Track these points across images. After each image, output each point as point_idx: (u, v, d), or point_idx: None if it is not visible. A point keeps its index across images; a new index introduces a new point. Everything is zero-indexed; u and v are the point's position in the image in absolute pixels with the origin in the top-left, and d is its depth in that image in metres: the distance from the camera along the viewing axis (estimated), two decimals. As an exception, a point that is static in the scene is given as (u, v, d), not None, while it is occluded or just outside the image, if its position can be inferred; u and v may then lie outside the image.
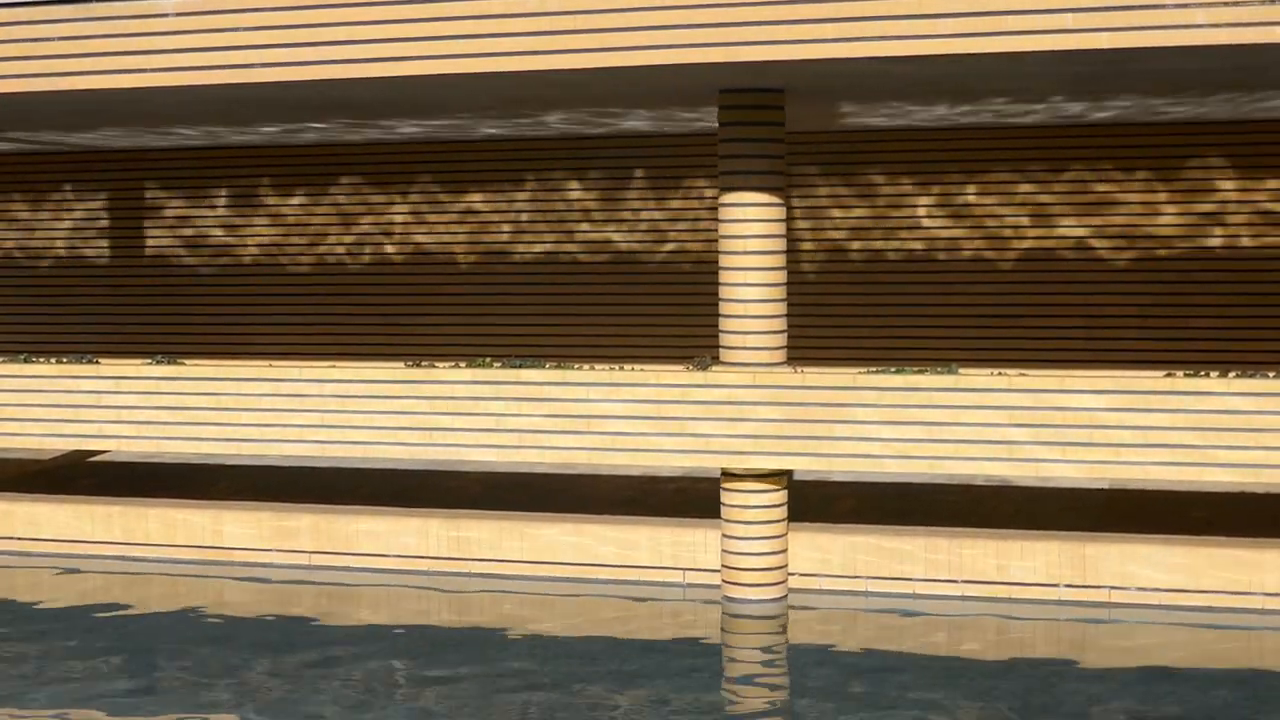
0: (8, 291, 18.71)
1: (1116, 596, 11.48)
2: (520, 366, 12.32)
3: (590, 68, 10.61)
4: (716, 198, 11.97)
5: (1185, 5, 9.62)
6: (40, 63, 11.61)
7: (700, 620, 11.55)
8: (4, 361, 13.56)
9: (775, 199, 11.71)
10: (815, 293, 16.15)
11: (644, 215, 16.66)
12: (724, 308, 11.83)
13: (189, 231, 18.07)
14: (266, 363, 13.23)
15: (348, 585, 12.53)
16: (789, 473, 12.05)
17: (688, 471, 15.40)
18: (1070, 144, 15.57)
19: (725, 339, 11.85)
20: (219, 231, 17.97)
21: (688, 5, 10.40)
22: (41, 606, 12.07)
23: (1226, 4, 9.56)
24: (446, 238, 17.25)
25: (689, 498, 14.10)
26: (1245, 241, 15.21)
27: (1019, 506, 13.47)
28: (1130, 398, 11.11)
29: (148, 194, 18.21)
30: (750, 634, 11.32)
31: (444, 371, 12.36)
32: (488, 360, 12.62)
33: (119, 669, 10.50)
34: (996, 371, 11.95)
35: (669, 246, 16.62)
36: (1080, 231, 15.59)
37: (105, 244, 18.37)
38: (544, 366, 12.28)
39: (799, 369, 11.92)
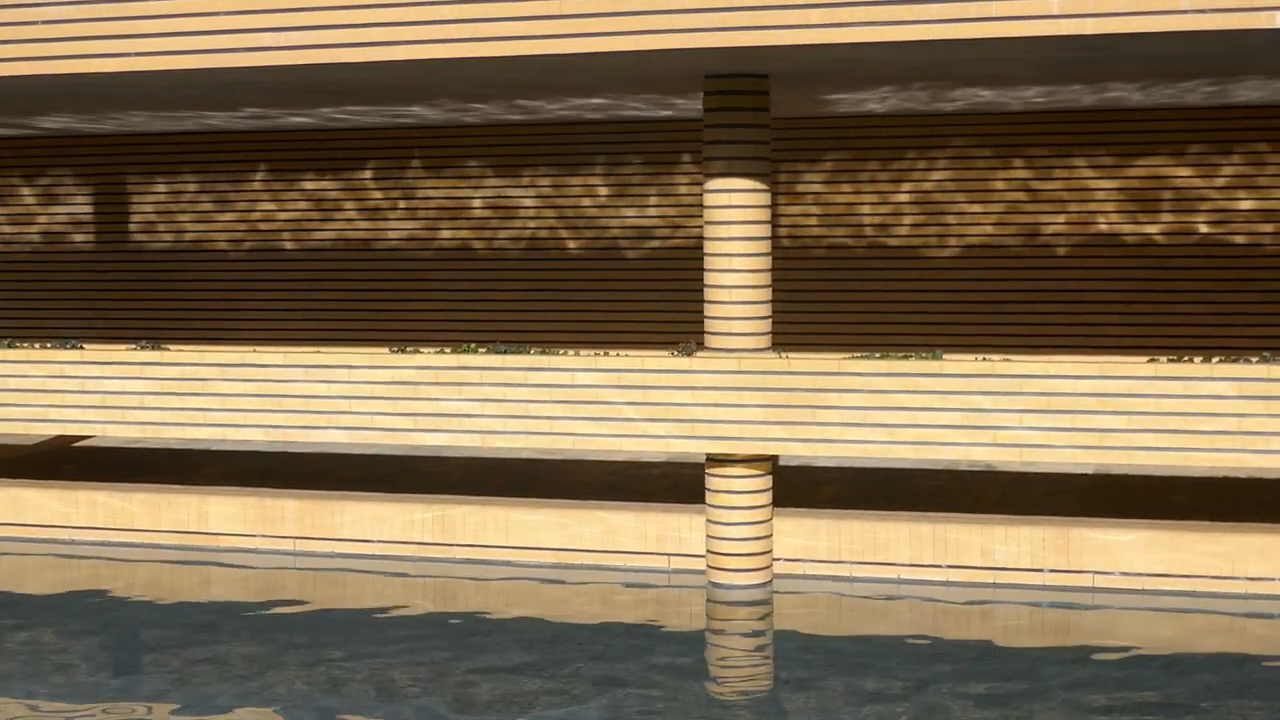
0: (-9, 277, 18.67)
1: (1100, 581, 11.51)
2: (505, 352, 12.31)
3: (576, 53, 10.60)
4: (702, 184, 11.97)
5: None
6: (21, 46, 11.57)
7: (685, 605, 11.56)
8: (-12, 347, 13.54)
9: (760, 185, 11.71)
10: (800, 278, 16.15)
11: (630, 201, 16.65)
12: (709, 293, 11.83)
13: (173, 217, 18.03)
14: (251, 348, 13.20)
15: (332, 570, 12.53)
16: (774, 458, 12.06)
17: (673, 457, 15.40)
18: (1054, 130, 15.59)
19: (710, 325, 11.85)
20: (203, 217, 17.94)
21: (673, -10, 10.40)
22: (25, 592, 12.05)
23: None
24: (432, 224, 17.24)
25: (674, 483, 14.11)
26: (1228, 228, 15.25)
27: (1004, 491, 13.50)
28: (1114, 383, 11.13)
29: (132, 179, 18.16)
30: (735, 619, 11.33)
31: (429, 357, 12.35)
32: (473, 346, 12.62)
33: (103, 655, 10.50)
34: (981, 357, 11.97)
35: (655, 232, 16.62)
36: (1064, 217, 15.61)
37: (89, 229, 18.33)
38: (529, 352, 12.28)
39: (784, 355, 11.93)
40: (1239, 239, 15.22)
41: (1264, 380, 10.91)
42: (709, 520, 11.98)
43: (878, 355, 11.78)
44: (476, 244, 17.11)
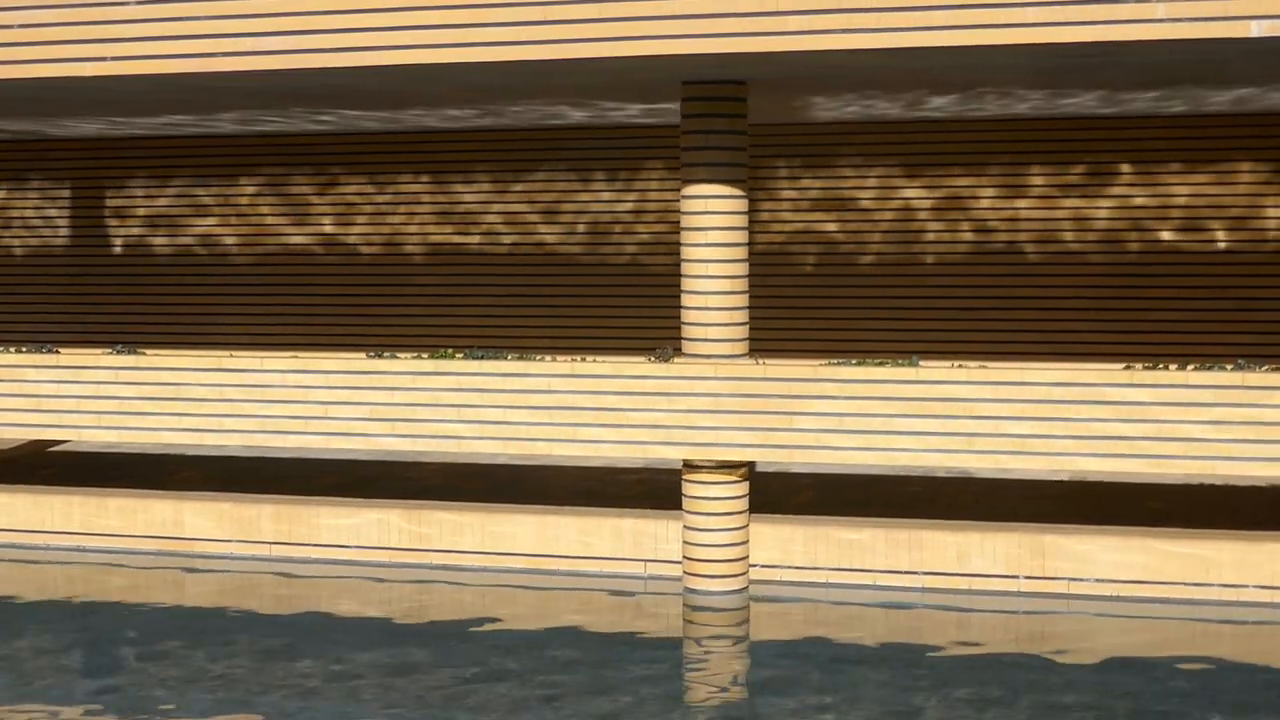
0: (-34, 280, 18.60)
1: (1075, 588, 11.54)
2: (482, 358, 12.31)
3: (557, 59, 10.60)
4: (680, 189, 11.99)
5: None
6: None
7: (661, 611, 11.57)
8: (-38, 351, 13.48)
9: (737, 191, 11.73)
10: (777, 285, 16.17)
11: (607, 206, 16.66)
12: (686, 299, 11.84)
13: (151, 221, 17.98)
14: (227, 353, 13.18)
15: (308, 576, 12.51)
16: (750, 464, 12.07)
17: (649, 463, 15.41)
18: (1031, 137, 15.62)
19: (687, 330, 11.86)
20: (181, 221, 17.89)
21: (650, -3, 10.41)
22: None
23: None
24: (411, 229, 17.22)
25: (650, 489, 14.11)
26: (1202, 236, 15.30)
27: (979, 497, 13.53)
28: (1090, 389, 11.16)
29: (109, 183, 18.12)
30: (711, 625, 11.34)
31: (406, 362, 12.34)
32: (450, 351, 12.62)
33: (77, 660, 10.47)
34: (957, 364, 12.00)
35: (633, 238, 16.63)
36: (1040, 225, 15.65)
37: (66, 233, 18.27)
38: (506, 358, 12.28)
39: (761, 361, 11.95)
40: (1215, 247, 15.28)
41: (1238, 387, 10.96)
42: (685, 526, 11.99)
43: (854, 361, 11.80)
44: (455, 249, 17.09)
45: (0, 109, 14.21)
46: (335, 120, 15.58)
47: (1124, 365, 12.06)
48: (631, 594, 11.92)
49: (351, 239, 17.37)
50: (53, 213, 18.34)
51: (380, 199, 17.27)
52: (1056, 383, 11.23)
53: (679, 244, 12.75)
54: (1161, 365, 11.53)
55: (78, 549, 13.33)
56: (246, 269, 17.71)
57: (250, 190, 17.64)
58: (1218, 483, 14.13)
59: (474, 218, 17.03)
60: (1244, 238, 15.22)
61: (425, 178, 17.13)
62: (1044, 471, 14.57)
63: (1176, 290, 15.38)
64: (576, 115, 15.09)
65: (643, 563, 12.26)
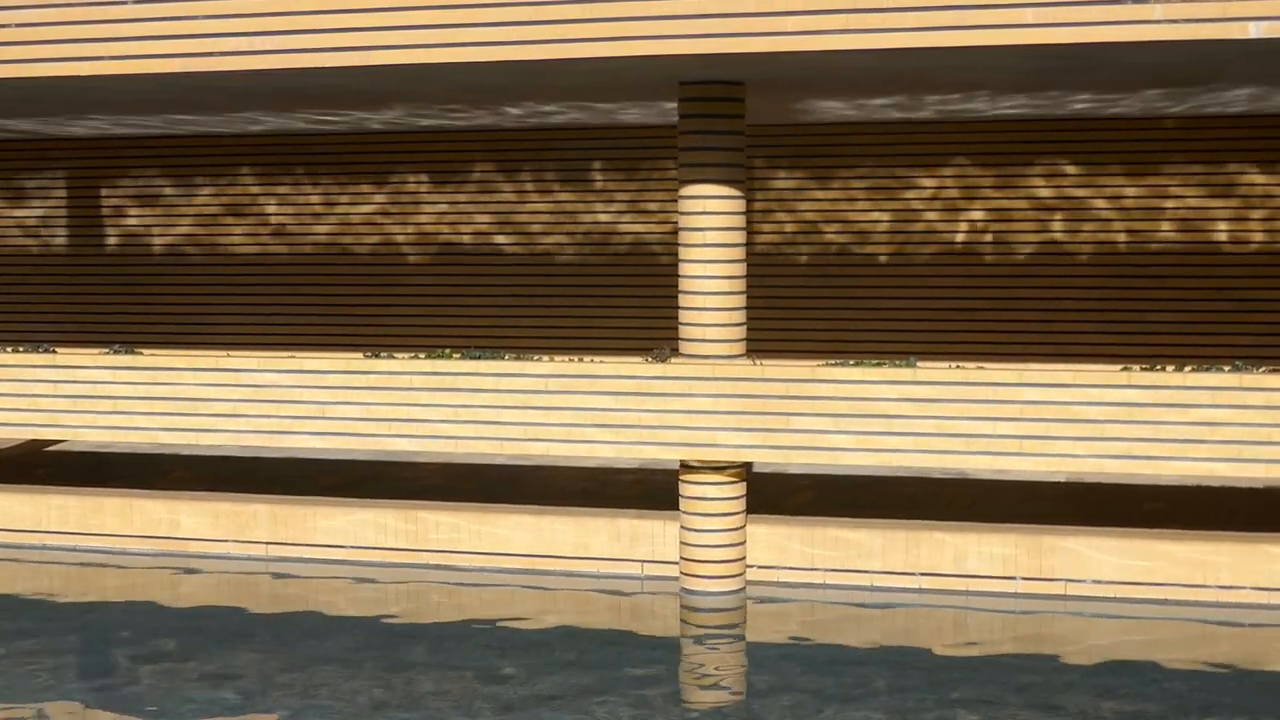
0: (-37, 279, 18.58)
1: (1073, 589, 11.53)
2: (479, 358, 12.30)
3: (553, 59, 10.59)
4: (678, 189, 11.99)
5: (1143, 0, 9.67)
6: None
7: (658, 612, 11.56)
8: (-41, 350, 13.47)
9: (735, 191, 11.72)
10: (775, 285, 16.17)
11: (605, 207, 16.65)
12: (683, 300, 11.83)
13: (147, 220, 17.97)
14: (224, 353, 13.17)
15: (305, 577, 12.50)
16: (747, 464, 12.07)
17: (646, 463, 15.40)
18: (1028, 139, 15.62)
19: (684, 331, 11.85)
20: (178, 221, 17.88)
21: (648, -3, 10.40)
22: (-4, 597, 12.02)
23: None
24: (408, 229, 17.21)
25: (647, 489, 14.10)
26: (1200, 237, 15.30)
27: (976, 498, 13.52)
28: (1087, 390, 11.16)
29: (106, 182, 18.10)
30: (708, 625, 11.34)
31: (402, 363, 12.33)
32: (447, 351, 12.61)
33: (73, 660, 10.46)
34: (954, 365, 11.99)
35: (630, 238, 16.62)
36: (1038, 226, 15.65)
37: (63, 232, 18.26)
38: (503, 358, 12.27)
39: (758, 361, 11.94)
40: (1213, 248, 15.27)
41: (1235, 389, 10.95)
42: (682, 527, 11.98)
43: (852, 362, 11.80)
44: (452, 249, 17.09)
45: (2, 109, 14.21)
46: (333, 120, 15.57)
47: (1121, 366, 12.06)
48: (628, 594, 11.91)
49: (349, 239, 17.36)
50: (49, 212, 18.32)
51: (377, 198, 17.26)
52: (1053, 384, 11.22)
53: (676, 244, 12.76)
54: (1159, 366, 11.52)
55: (73, 549, 13.31)
56: (244, 269, 17.70)
57: (247, 190, 17.62)
58: (1215, 484, 14.12)
59: (470, 217, 17.02)
60: (1241, 239, 15.23)
61: (423, 177, 17.12)
62: (1041, 472, 14.56)
63: (1174, 291, 15.39)
64: (574, 116, 15.07)
65: (640, 563, 12.25)
